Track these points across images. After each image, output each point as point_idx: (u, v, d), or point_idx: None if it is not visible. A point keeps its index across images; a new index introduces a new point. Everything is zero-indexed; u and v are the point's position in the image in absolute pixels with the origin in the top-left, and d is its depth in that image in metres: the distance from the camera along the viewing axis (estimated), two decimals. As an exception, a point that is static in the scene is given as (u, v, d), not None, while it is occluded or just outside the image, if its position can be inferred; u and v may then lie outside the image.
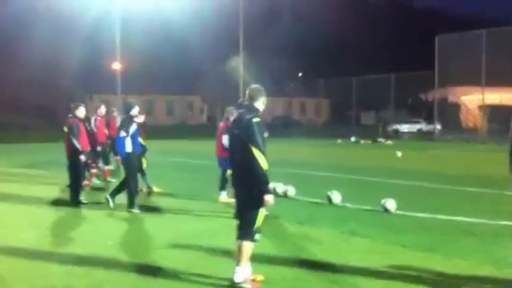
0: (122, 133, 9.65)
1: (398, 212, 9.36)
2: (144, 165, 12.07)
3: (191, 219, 9.06)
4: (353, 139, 36.45)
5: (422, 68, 42.72)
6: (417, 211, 9.48)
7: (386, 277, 5.79)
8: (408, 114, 51.16)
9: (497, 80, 37.60)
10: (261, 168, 5.17)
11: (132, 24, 46.03)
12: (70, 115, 10.51)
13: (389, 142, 34.79)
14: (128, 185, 9.77)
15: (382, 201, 9.60)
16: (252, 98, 5.52)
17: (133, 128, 9.67)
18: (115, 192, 10.03)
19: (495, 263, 6.27)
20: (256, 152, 5.17)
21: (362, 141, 35.23)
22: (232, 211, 8.74)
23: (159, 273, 5.87)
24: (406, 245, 7.11)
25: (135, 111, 9.95)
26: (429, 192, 12.19)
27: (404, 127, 48.66)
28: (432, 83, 41.54)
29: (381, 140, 35.87)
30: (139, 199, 10.03)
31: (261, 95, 5.55)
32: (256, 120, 5.30)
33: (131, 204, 9.60)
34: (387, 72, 47.49)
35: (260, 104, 5.53)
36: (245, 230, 5.38)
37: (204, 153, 24.79)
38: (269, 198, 5.24)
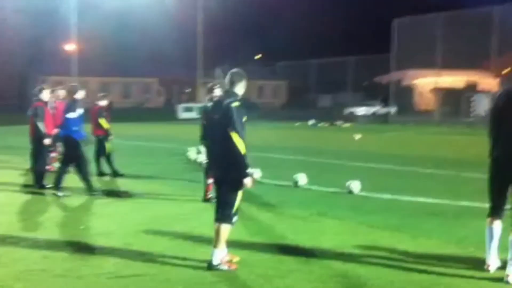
0: (69, 115, 9.45)
1: (363, 193, 9.65)
2: (109, 149, 11.99)
3: (160, 203, 9.09)
4: (311, 122, 36.86)
5: (379, 52, 43.47)
6: (382, 192, 9.78)
7: (356, 256, 6.01)
8: (364, 97, 51.97)
9: (451, 63, 38.64)
10: (240, 152, 5.27)
11: (88, 4, 44.99)
12: (34, 98, 10.30)
13: (347, 125, 35.36)
14: (64, 168, 9.61)
15: (347, 183, 9.87)
16: (233, 83, 5.58)
17: (77, 112, 9.49)
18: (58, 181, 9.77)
19: (458, 242, 6.59)
20: (235, 136, 5.26)
21: (320, 124, 35.68)
22: (200, 194, 8.91)
23: (137, 257, 5.91)
24: (374, 225, 7.38)
25: (79, 95, 9.75)
26: (391, 174, 12.57)
27: (360, 110, 49.47)
28: (389, 67, 42.35)
29: (339, 123, 36.42)
30: (102, 184, 9.97)
31: (242, 79, 5.62)
32: (235, 104, 5.38)
33: (56, 185, 9.46)
34: (344, 55, 48.10)
35: (240, 88, 5.60)
36: (224, 213, 5.49)
37: (163, 136, 24.78)
38: (248, 181, 5.36)
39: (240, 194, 5.49)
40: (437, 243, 6.54)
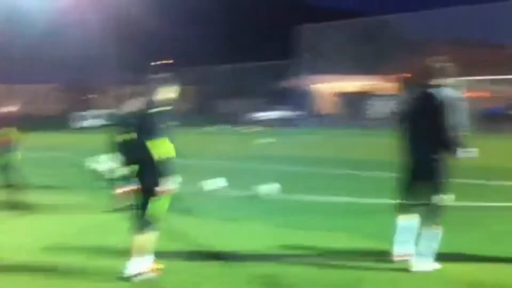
0: None
1: (280, 196, 9.84)
2: (14, 160, 11.34)
3: (66, 215, 8.72)
4: (218, 127, 36.99)
5: (285, 57, 44.49)
6: (298, 193, 10.05)
7: (278, 257, 6.12)
8: (272, 102, 52.88)
9: (353, 69, 40.35)
10: (158, 159, 5.21)
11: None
12: None
13: (254, 129, 35.83)
14: None
15: (262, 186, 10.01)
16: (153, 89, 5.49)
17: None
18: None
19: (370, 236, 6.89)
20: (152, 143, 5.20)
21: (227, 129, 35.88)
22: (105, 204, 8.60)
23: (46, 272, 5.65)
24: (292, 227, 7.56)
25: None
26: (305, 176, 12.93)
27: (268, 115, 50.24)
28: (295, 72, 43.43)
29: (247, 127, 36.82)
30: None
31: (164, 85, 5.55)
32: (154, 111, 5.34)
33: None
34: (250, 60, 48.71)
35: (163, 94, 5.51)
36: (144, 222, 5.40)
37: (61, 146, 23.77)
38: (165, 188, 5.32)
39: (160, 201, 5.41)
40: (354, 239, 6.81)
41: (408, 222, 5.62)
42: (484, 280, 5.23)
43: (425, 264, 5.49)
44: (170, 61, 66.72)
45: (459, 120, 5.22)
